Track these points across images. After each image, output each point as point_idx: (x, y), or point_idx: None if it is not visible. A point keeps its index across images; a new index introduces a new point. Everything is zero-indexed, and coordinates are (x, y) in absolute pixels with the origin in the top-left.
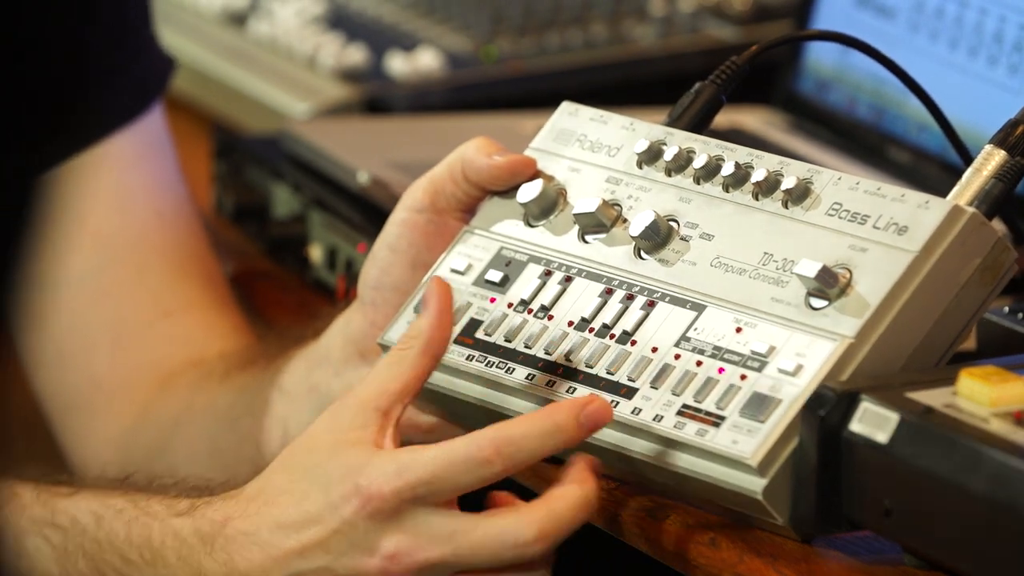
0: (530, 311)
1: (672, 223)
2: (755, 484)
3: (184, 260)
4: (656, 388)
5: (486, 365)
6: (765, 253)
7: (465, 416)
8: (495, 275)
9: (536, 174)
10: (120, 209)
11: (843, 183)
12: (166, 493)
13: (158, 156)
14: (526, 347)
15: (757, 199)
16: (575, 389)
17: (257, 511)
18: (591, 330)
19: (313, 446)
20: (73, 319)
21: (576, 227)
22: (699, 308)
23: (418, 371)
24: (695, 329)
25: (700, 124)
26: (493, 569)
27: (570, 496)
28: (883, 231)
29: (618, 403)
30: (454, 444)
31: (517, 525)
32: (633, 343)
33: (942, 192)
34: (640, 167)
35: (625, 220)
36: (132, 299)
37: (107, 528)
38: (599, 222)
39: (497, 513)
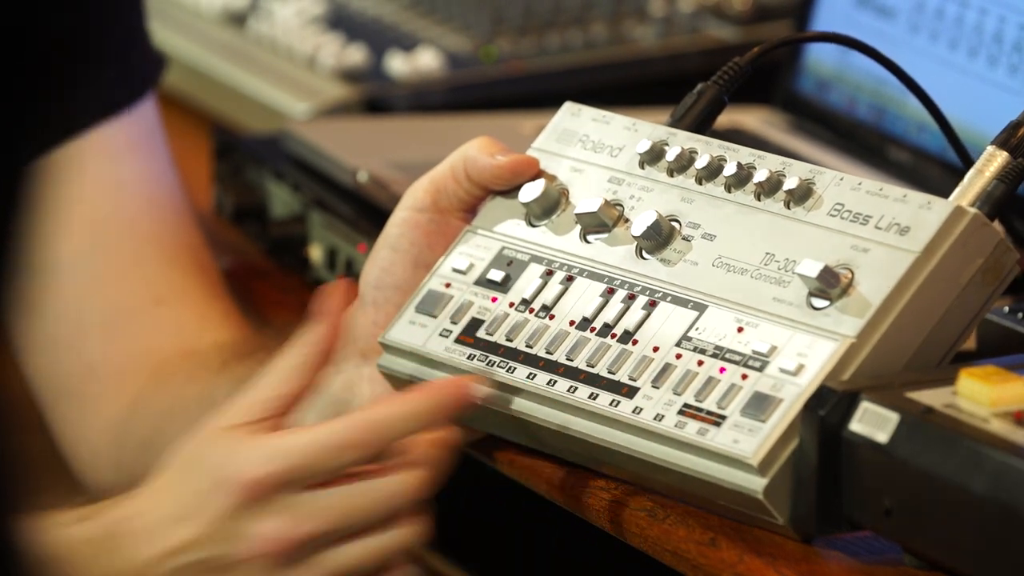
0: (531, 311)
1: (674, 223)
2: (756, 484)
3: (177, 249)
4: (657, 387)
5: (487, 364)
6: (767, 253)
7: (464, 416)
8: (497, 275)
9: (538, 174)
10: (113, 197)
11: (845, 183)
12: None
13: (151, 147)
14: (527, 346)
15: (759, 199)
16: (576, 388)
17: (146, 508)
18: (592, 329)
19: (195, 439)
20: (65, 305)
21: (578, 227)
22: (700, 308)
23: (305, 380)
24: (696, 329)
25: (702, 125)
26: (374, 527)
27: (441, 441)
28: (885, 231)
29: (619, 402)
30: (325, 430)
31: (402, 480)
32: (634, 342)
33: (943, 192)
34: (642, 167)
35: (627, 220)
36: (124, 286)
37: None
38: (601, 222)
39: (375, 472)
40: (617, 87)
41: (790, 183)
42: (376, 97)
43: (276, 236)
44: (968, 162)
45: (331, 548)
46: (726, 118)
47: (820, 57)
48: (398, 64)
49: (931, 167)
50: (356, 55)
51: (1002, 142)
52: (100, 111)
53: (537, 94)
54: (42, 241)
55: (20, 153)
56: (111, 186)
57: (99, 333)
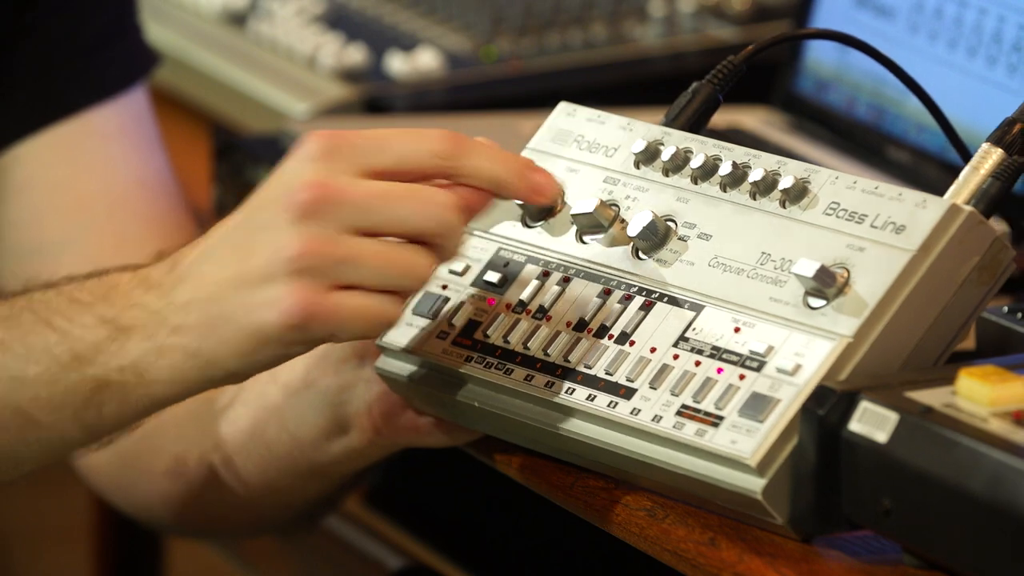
0: (528, 312)
1: (670, 223)
2: (754, 484)
3: (168, 230)
4: (655, 388)
5: (484, 366)
6: (763, 253)
7: (463, 418)
8: (493, 276)
9: None
10: (103, 177)
11: (840, 182)
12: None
13: (141, 133)
14: (524, 348)
15: (755, 199)
16: (574, 390)
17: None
18: (589, 331)
19: None
20: None
21: (574, 228)
22: (697, 308)
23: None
24: (693, 329)
25: (697, 124)
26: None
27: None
28: (881, 230)
29: (617, 403)
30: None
31: (442, 195)
32: (631, 343)
33: (941, 192)
34: (638, 167)
35: (623, 220)
36: (117, 265)
37: (54, 288)
38: (597, 222)
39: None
40: (617, 87)
41: (785, 182)
42: (376, 97)
43: None
44: (969, 161)
45: (359, 229)
46: (725, 118)
47: (819, 57)
48: (398, 64)
49: (930, 167)
50: (356, 55)
51: (997, 139)
52: (88, 95)
53: (537, 94)
54: (32, 220)
55: (11, 131)
56: (102, 167)
57: None
